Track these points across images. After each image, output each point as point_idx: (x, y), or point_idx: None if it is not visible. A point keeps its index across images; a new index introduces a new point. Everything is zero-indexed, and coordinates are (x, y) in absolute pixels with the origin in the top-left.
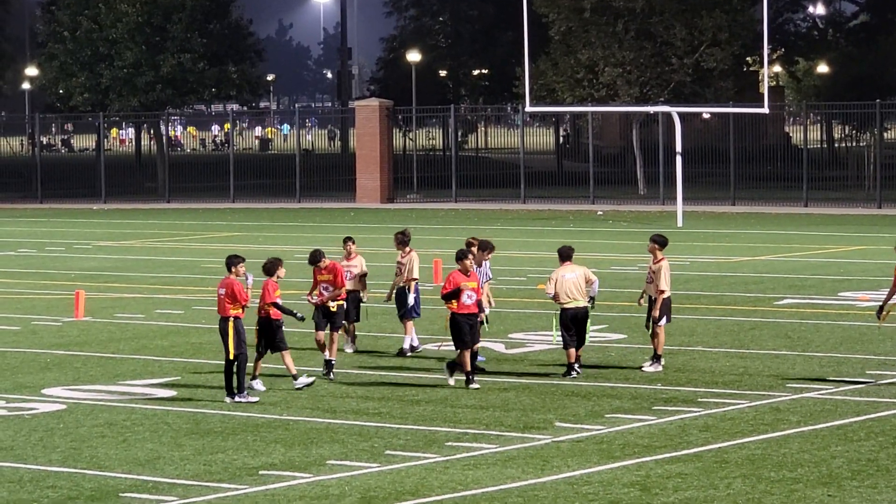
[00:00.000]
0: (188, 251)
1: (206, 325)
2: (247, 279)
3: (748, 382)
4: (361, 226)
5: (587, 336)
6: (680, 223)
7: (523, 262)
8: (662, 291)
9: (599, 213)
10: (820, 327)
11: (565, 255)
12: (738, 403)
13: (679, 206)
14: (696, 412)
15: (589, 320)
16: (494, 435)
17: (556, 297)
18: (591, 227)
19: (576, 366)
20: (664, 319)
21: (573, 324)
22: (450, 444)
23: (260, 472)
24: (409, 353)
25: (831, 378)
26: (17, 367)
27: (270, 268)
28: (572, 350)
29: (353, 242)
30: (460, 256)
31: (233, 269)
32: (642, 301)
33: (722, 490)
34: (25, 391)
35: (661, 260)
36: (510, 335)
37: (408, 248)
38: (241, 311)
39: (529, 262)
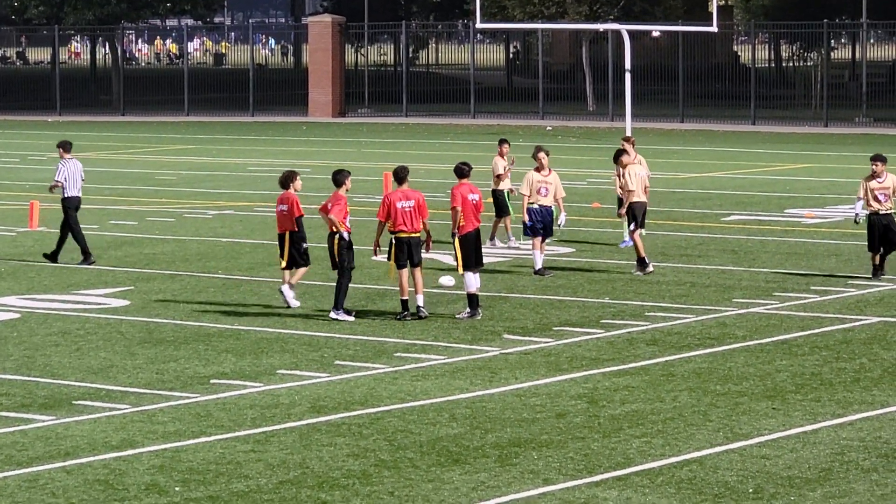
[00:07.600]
0: (142, 163)
1: (160, 237)
2: None
3: (695, 297)
4: (313, 139)
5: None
6: None
7: (474, 176)
8: None
9: (548, 128)
10: (766, 243)
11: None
12: (685, 318)
13: (628, 123)
14: (643, 326)
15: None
16: (443, 346)
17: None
18: (540, 141)
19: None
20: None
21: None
22: (398, 354)
23: (211, 381)
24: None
25: (777, 293)
26: None
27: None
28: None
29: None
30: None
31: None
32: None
33: (668, 403)
34: None
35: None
36: None
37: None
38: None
39: (481, 176)
